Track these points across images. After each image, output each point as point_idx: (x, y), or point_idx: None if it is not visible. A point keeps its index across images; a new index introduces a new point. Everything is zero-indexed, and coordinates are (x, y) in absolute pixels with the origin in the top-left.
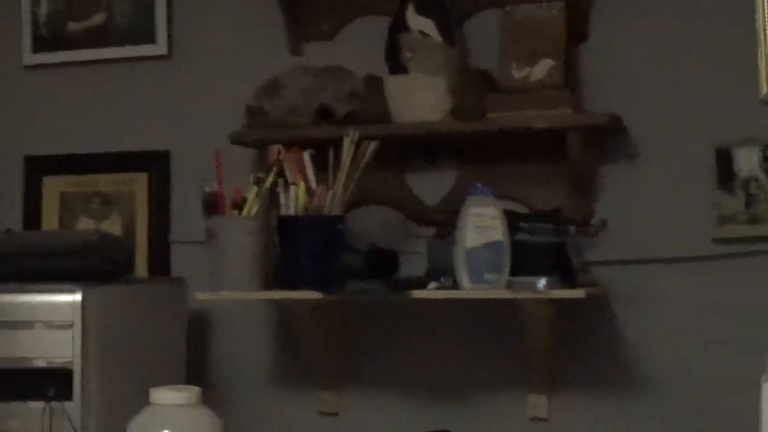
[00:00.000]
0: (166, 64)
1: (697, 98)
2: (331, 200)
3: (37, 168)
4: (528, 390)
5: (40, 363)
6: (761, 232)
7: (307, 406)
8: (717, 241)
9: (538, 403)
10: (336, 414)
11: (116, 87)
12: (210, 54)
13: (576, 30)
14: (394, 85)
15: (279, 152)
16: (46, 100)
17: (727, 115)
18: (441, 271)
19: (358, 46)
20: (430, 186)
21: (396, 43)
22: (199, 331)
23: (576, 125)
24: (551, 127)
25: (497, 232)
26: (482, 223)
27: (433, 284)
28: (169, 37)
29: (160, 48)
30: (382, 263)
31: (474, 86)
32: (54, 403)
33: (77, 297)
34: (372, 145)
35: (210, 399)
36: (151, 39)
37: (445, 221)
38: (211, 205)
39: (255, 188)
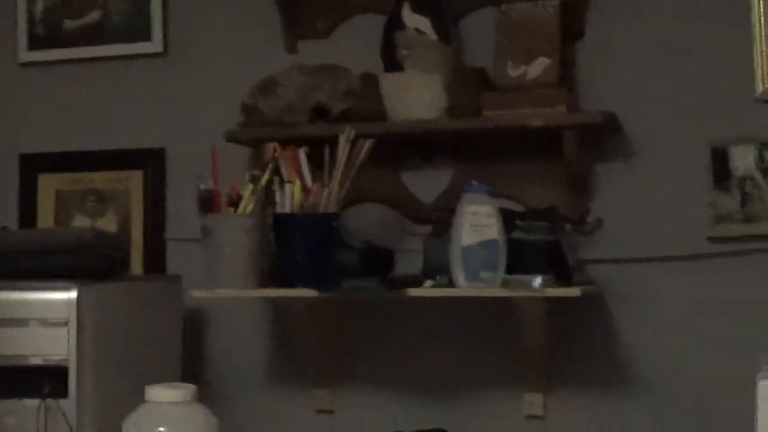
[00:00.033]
0: (161, 62)
1: (693, 97)
2: (327, 198)
3: (33, 166)
4: (523, 388)
5: (36, 360)
6: (756, 231)
7: (303, 403)
8: (712, 239)
9: (533, 402)
10: (331, 411)
11: (112, 85)
12: (206, 52)
13: (572, 28)
14: (389, 83)
15: (275, 150)
16: (42, 97)
17: (723, 113)
18: (437, 269)
19: (353, 44)
20: (425, 184)
21: (392, 41)
22: (194, 328)
23: (571, 123)
24: (547, 126)
25: (493, 230)
26: (478, 222)
27: (428, 282)
28: (165, 35)
29: (155, 46)
30: (378, 261)
31: (470, 84)
32: (49, 401)
33: (72, 294)
34: (367, 143)
35: (205, 397)
36: (146, 37)
37: (440, 219)
38: (207, 203)
39: (250, 186)
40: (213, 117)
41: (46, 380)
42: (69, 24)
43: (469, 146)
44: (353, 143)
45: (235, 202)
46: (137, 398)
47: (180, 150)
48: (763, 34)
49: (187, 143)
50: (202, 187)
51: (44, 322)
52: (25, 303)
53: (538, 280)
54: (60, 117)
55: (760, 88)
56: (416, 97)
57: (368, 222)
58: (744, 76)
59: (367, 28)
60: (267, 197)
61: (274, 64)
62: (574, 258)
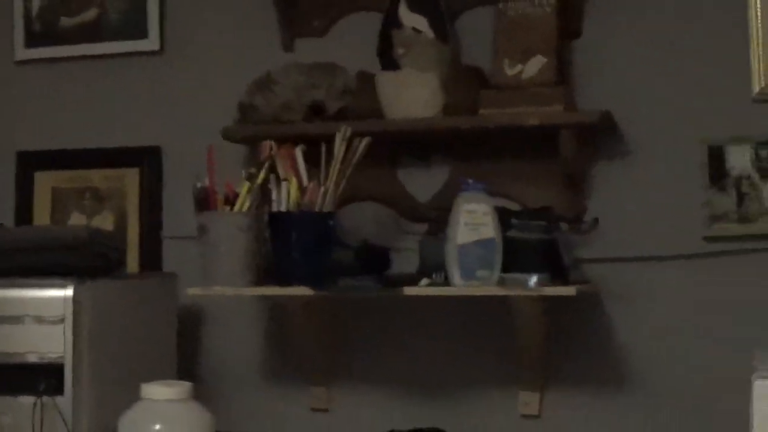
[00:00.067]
0: (158, 60)
1: (689, 96)
2: (323, 196)
3: (29, 163)
4: (519, 387)
5: (32, 358)
6: (752, 231)
7: (298, 401)
8: (708, 239)
9: (529, 400)
10: (326, 410)
11: (109, 82)
12: (202, 50)
13: (569, 27)
14: (386, 82)
15: (271, 148)
16: (39, 95)
17: (719, 113)
18: (433, 267)
19: (350, 43)
20: (422, 182)
21: (388, 40)
22: (190, 326)
23: (568, 122)
24: (543, 125)
25: (489, 228)
26: (474, 220)
27: (424, 281)
28: (162, 32)
29: (152, 43)
30: (374, 260)
31: (466, 83)
32: (45, 398)
33: (69, 292)
34: (364, 142)
35: (201, 394)
36: (143, 34)
37: (437, 218)
38: (203, 201)
39: (247, 184)
40: (209, 115)
41: (41, 378)
42: (66, 21)
43: (466, 145)
44: (350, 141)
45: (231, 200)
46: (133, 396)
47: (176, 148)
48: (759, 33)
49: (183, 141)
50: (199, 185)
51: (40, 320)
52: (21, 300)
53: (534, 279)
54: (57, 114)
55: (756, 88)
56: (413, 95)
57: (364, 220)
58: (741, 75)
59: (364, 27)
60: (263, 195)
61: (271, 62)
62: (570, 257)
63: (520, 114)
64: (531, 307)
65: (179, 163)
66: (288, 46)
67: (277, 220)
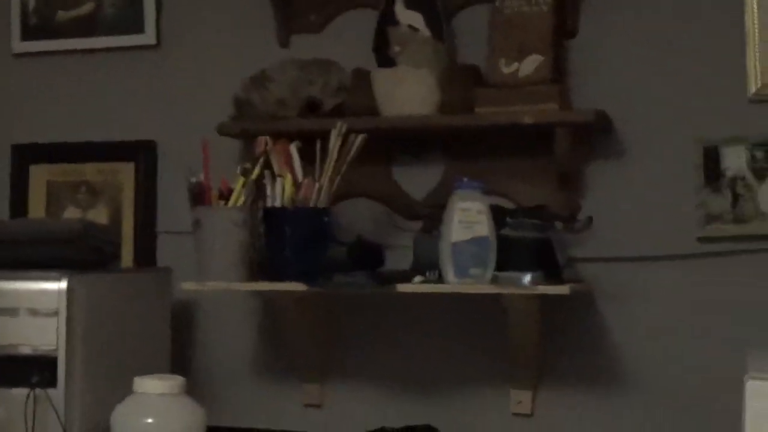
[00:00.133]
0: (154, 54)
1: (685, 96)
2: (318, 193)
3: (24, 156)
4: (512, 385)
5: (25, 350)
6: (747, 232)
7: (291, 397)
8: (703, 239)
9: (521, 399)
10: (319, 406)
11: (104, 76)
12: (199, 45)
13: (565, 26)
14: (382, 79)
15: (266, 144)
16: (34, 88)
17: (715, 113)
18: (427, 265)
19: (346, 39)
20: (416, 180)
21: (384, 37)
22: (184, 321)
23: (563, 121)
24: (538, 123)
25: (483, 227)
26: (468, 218)
27: (418, 278)
28: (158, 27)
29: (148, 38)
30: (368, 256)
31: (462, 81)
32: (38, 391)
33: (63, 285)
34: (359, 138)
35: (194, 389)
36: (139, 29)
37: (431, 215)
38: (197, 196)
39: (241, 179)
40: (205, 110)
41: (35, 370)
42: (62, 15)
43: (461, 143)
44: (345, 138)
45: (225, 196)
46: (126, 389)
47: (171, 143)
48: (756, 34)
49: (178, 136)
50: (193, 179)
51: (34, 312)
52: (16, 292)
53: (527, 278)
54: (52, 108)
55: (752, 89)
56: (408, 93)
57: (359, 217)
58: (737, 76)
59: (360, 24)
60: (258, 191)
61: (267, 58)
62: (564, 256)
63: (516, 112)
64: (524, 305)
65: (174, 157)
66: (284, 42)
67: (272, 215)
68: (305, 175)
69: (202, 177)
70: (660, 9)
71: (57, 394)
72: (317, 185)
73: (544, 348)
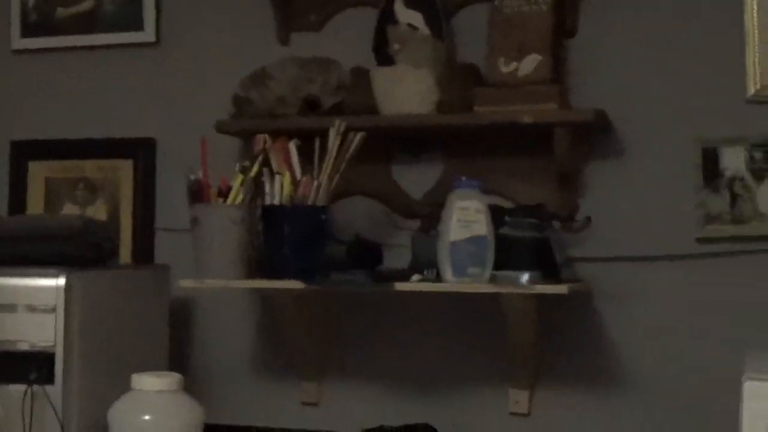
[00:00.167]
0: (153, 52)
1: (684, 97)
2: (316, 190)
3: (23, 153)
4: (510, 385)
5: (23, 346)
6: (745, 232)
7: (289, 395)
8: (701, 240)
9: (519, 398)
10: (317, 404)
11: (103, 73)
12: (198, 42)
13: (564, 26)
14: (381, 77)
15: (265, 142)
16: (34, 85)
17: (714, 114)
18: (425, 264)
19: (346, 38)
20: (415, 179)
21: (384, 36)
22: (182, 318)
23: (562, 121)
24: (537, 123)
25: (481, 226)
26: (467, 217)
27: (416, 277)
28: (158, 24)
29: (148, 35)
30: (366, 255)
31: (461, 80)
32: (36, 387)
33: (61, 281)
34: (358, 137)
35: (191, 386)
36: (139, 26)
37: (429, 214)
38: (196, 193)
39: (240, 177)
40: (204, 108)
41: (32, 366)
42: (62, 12)
43: (460, 142)
44: (344, 136)
45: (224, 193)
46: (123, 386)
47: (170, 140)
48: (755, 34)
49: (177, 133)
50: (192, 177)
51: (32, 308)
52: (14, 289)
53: (525, 277)
54: (51, 105)
55: (751, 89)
56: (407, 91)
57: (357, 216)
58: (736, 76)
59: (360, 22)
60: (256, 189)
61: (267, 55)
62: (563, 255)
63: (515, 111)
64: (522, 304)
65: (173, 155)
66: (284, 40)
67: (270, 213)
68: (304, 173)
69: (200, 174)
70: (659, 9)
71: (55, 390)
72: (316, 183)
73: (542, 347)
